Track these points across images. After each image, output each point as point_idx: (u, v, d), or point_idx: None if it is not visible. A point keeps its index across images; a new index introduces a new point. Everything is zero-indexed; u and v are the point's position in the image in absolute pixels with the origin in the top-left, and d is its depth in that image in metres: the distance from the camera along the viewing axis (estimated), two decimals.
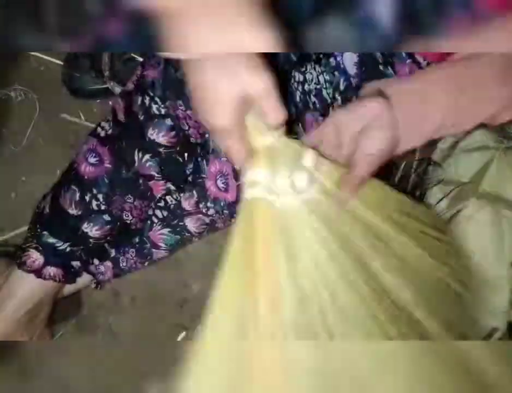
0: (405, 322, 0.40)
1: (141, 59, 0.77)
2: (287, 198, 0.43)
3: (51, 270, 0.63)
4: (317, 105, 0.59)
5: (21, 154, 0.77)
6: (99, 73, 0.79)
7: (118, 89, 0.79)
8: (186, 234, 0.69)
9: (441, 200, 0.69)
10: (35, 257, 0.63)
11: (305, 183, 0.43)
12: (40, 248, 0.63)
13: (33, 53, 0.81)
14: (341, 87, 0.58)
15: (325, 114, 0.59)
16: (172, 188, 0.65)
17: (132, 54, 0.80)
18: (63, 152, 0.78)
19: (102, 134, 0.62)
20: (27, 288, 0.62)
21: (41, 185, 0.76)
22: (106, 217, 0.63)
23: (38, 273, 0.62)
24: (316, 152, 0.44)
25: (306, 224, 0.42)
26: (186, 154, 0.63)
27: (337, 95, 0.59)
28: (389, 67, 0.59)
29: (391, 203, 0.47)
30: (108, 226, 0.64)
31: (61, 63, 0.82)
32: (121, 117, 0.61)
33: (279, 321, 0.38)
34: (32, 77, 0.80)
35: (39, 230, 0.64)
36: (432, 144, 0.89)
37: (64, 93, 0.81)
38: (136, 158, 0.59)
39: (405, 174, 0.93)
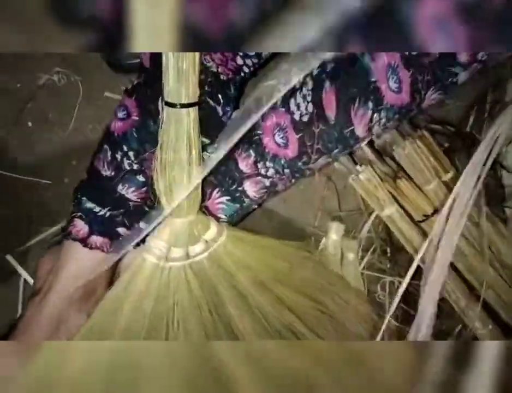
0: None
1: None
2: (177, 264, 0.60)
3: (97, 239, 0.61)
4: None
5: (69, 138, 0.77)
6: None
7: None
8: (246, 200, 0.65)
9: None
10: (80, 226, 0.61)
11: (198, 251, 0.61)
12: (83, 216, 0.62)
13: None
14: None
15: None
16: (206, 141, 0.61)
17: None
18: None
19: (130, 85, 0.61)
20: (76, 259, 0.60)
21: None
22: (140, 178, 0.61)
23: (84, 242, 0.60)
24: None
25: (183, 283, 0.59)
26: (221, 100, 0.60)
27: None
28: None
29: (267, 268, 0.64)
30: (144, 188, 0.61)
31: None
32: (146, 63, 0.58)
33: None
34: (72, 58, 0.80)
35: (78, 196, 0.63)
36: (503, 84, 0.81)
37: (105, 72, 0.79)
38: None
39: (478, 119, 0.86)
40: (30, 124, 0.77)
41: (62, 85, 0.79)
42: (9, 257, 0.75)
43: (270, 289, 0.64)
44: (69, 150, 0.77)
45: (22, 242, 0.75)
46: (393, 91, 0.55)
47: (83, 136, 0.77)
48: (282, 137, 0.60)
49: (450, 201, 0.68)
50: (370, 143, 0.76)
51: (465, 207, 0.67)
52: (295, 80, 0.53)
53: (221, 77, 0.61)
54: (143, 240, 0.64)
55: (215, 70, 0.60)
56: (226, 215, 0.66)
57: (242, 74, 0.65)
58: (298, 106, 0.58)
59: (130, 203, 0.62)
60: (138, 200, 0.62)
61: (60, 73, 0.79)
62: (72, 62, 0.79)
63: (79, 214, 0.62)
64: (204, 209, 0.64)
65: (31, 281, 0.74)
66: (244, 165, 0.62)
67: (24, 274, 0.75)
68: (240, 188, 0.64)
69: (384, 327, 0.69)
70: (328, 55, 0.53)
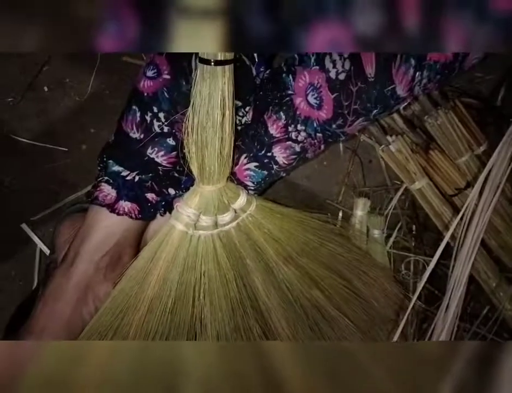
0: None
1: None
2: (205, 233, 0.59)
3: (125, 205, 0.60)
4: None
5: (86, 104, 0.76)
6: None
7: None
8: (275, 167, 0.64)
9: None
10: (107, 191, 0.60)
11: (227, 221, 0.60)
12: (110, 181, 0.61)
13: None
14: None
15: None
16: (238, 104, 0.60)
17: None
18: None
19: None
20: (103, 226, 0.59)
21: (110, 135, 0.75)
22: (171, 141, 0.60)
23: (111, 207, 0.59)
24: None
25: (211, 253, 0.59)
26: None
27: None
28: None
29: (295, 241, 0.64)
30: (174, 153, 0.60)
31: None
32: None
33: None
34: None
35: (105, 160, 0.62)
36: None
37: None
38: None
39: (508, 92, 0.85)
40: (46, 88, 0.75)
41: None
42: (24, 227, 0.74)
43: (297, 262, 0.64)
44: (87, 116, 0.76)
45: (37, 211, 0.75)
46: None
47: (101, 102, 0.76)
48: (316, 98, 0.57)
49: (483, 174, 0.67)
50: (400, 114, 0.75)
51: (499, 181, 0.67)
52: None
53: None
54: (171, 208, 0.63)
55: None
56: (253, 183, 0.65)
57: None
58: (334, 63, 0.56)
59: (159, 167, 0.61)
60: (168, 165, 0.61)
61: None
62: None
63: (106, 178, 0.61)
64: (231, 176, 0.63)
65: (47, 251, 0.74)
66: (274, 128, 0.61)
67: (40, 243, 0.74)
68: (269, 154, 0.62)
69: (410, 308, 0.69)
70: None
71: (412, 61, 0.54)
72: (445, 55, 0.54)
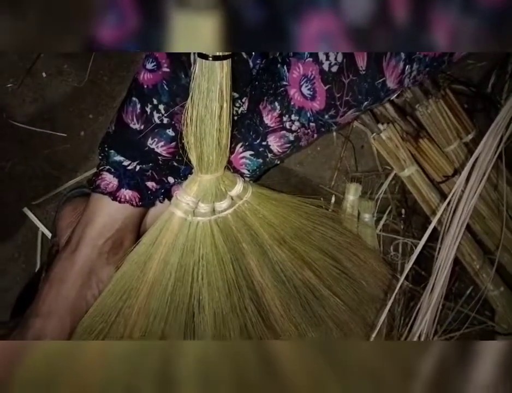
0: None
1: None
2: (203, 219, 0.63)
3: (126, 193, 0.63)
4: None
5: (84, 90, 0.77)
6: None
7: None
8: (269, 155, 0.67)
9: None
10: (109, 180, 0.63)
11: (224, 207, 0.64)
12: (112, 170, 0.63)
13: None
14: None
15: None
16: (236, 94, 0.62)
17: None
18: (128, 84, 0.77)
19: None
20: (105, 212, 0.62)
21: (108, 121, 0.77)
22: (170, 132, 0.62)
23: (113, 195, 0.62)
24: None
25: (209, 237, 0.63)
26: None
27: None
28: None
29: (288, 226, 0.68)
30: (174, 143, 0.63)
31: None
32: None
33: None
34: None
35: (106, 149, 0.64)
36: None
37: None
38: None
39: (499, 80, 0.87)
40: (44, 74, 0.77)
41: None
42: (26, 210, 0.77)
43: (291, 245, 0.68)
44: (85, 102, 0.78)
45: (38, 195, 0.78)
46: None
47: (99, 89, 0.78)
48: (309, 89, 0.60)
49: (470, 162, 0.70)
50: (392, 101, 0.78)
51: (485, 168, 0.70)
52: None
53: None
54: (170, 195, 0.66)
55: None
56: (249, 171, 0.68)
57: None
58: (327, 55, 0.58)
59: (159, 157, 0.63)
60: (168, 155, 0.64)
61: None
62: None
63: (107, 167, 0.63)
64: (228, 164, 0.65)
65: (48, 234, 0.77)
66: (269, 118, 0.63)
67: (41, 227, 0.77)
68: (264, 143, 0.65)
69: (397, 287, 0.72)
70: None
71: (402, 55, 0.56)
72: None
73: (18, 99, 0.76)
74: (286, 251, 0.67)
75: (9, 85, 0.76)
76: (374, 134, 0.76)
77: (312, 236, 0.70)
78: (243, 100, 0.64)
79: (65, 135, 0.77)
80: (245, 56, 0.59)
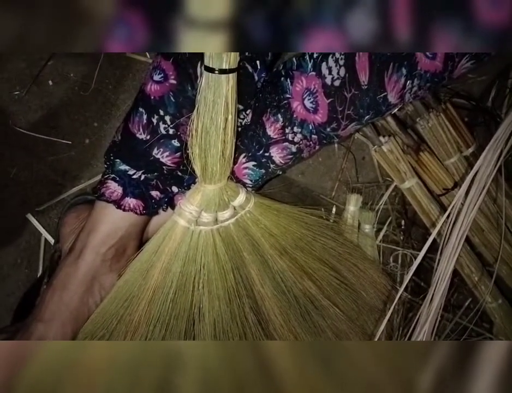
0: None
1: None
2: (206, 228, 0.65)
3: (130, 201, 0.64)
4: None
5: (90, 99, 0.79)
6: None
7: None
8: (272, 166, 0.68)
9: None
10: (114, 188, 0.64)
11: (226, 217, 0.66)
12: (117, 178, 0.64)
13: None
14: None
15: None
16: (240, 107, 0.63)
17: None
18: (133, 93, 0.79)
19: None
20: (109, 220, 0.63)
21: (113, 130, 0.79)
22: (175, 143, 0.63)
23: (117, 204, 0.63)
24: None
25: (211, 247, 0.65)
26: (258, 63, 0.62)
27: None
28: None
29: (289, 236, 0.69)
30: (178, 153, 0.64)
31: None
32: None
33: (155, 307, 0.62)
34: None
35: (112, 158, 0.65)
36: None
37: None
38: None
39: (499, 94, 0.89)
40: (50, 83, 0.79)
41: None
42: (30, 217, 0.78)
43: (291, 255, 0.69)
44: (90, 111, 0.79)
45: (42, 201, 0.79)
46: (427, 57, 0.57)
47: (104, 97, 0.79)
48: (312, 102, 0.62)
49: (470, 175, 0.71)
50: (394, 115, 0.80)
51: (485, 182, 0.71)
52: None
53: None
54: (173, 204, 0.68)
55: None
56: (251, 181, 0.70)
57: None
58: (330, 69, 0.60)
59: (164, 167, 0.65)
60: (172, 165, 0.65)
61: None
62: None
63: (112, 175, 0.65)
64: (231, 175, 0.67)
65: (51, 240, 0.78)
66: (272, 130, 0.65)
67: (44, 233, 0.78)
68: (266, 154, 0.67)
69: (397, 298, 0.73)
70: None
71: (404, 71, 0.58)
72: (435, 65, 0.58)
73: (24, 106, 0.78)
74: (287, 261, 0.68)
75: (15, 93, 0.77)
76: (376, 146, 0.78)
77: (312, 246, 0.71)
78: (247, 112, 0.66)
79: (70, 142, 0.79)
80: (250, 70, 0.61)
